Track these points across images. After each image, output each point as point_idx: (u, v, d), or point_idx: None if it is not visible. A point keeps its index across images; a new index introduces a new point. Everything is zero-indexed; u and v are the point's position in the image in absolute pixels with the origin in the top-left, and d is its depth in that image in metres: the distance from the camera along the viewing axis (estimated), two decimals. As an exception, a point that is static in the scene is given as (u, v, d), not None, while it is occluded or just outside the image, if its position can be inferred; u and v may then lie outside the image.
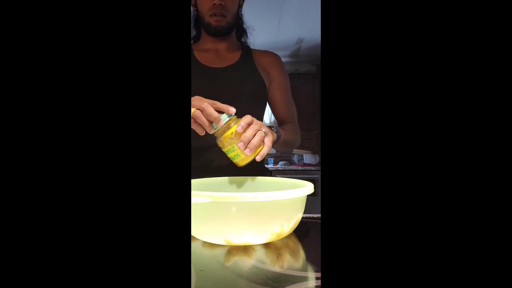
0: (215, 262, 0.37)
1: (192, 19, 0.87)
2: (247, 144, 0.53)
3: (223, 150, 0.56)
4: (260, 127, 0.55)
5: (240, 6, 0.82)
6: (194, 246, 0.42)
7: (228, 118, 0.54)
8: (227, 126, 0.54)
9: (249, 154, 0.54)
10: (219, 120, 0.53)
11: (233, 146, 0.54)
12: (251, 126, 0.54)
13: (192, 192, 0.38)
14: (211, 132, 0.55)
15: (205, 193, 0.38)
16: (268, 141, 0.56)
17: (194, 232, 0.43)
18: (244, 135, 0.53)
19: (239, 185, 0.60)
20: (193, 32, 0.87)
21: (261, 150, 0.55)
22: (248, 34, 0.90)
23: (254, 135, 0.54)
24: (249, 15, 0.92)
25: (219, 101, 0.65)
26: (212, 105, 0.53)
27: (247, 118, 0.55)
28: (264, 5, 2.10)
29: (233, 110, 0.53)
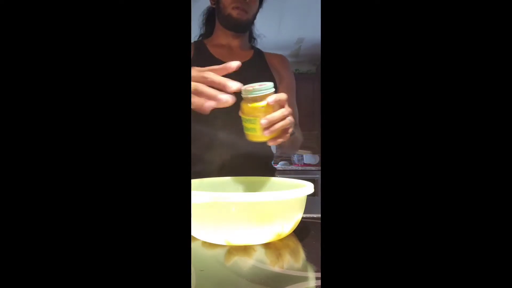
0: (215, 262, 0.37)
1: (202, 16, 0.87)
2: (270, 125, 0.48)
3: (242, 116, 0.51)
4: (289, 114, 0.50)
5: (257, 12, 0.84)
6: (194, 246, 0.42)
7: (271, 89, 0.48)
8: (264, 96, 0.48)
9: (267, 135, 0.49)
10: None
11: (256, 119, 0.49)
12: (283, 108, 0.49)
13: (192, 192, 0.38)
14: (228, 101, 0.45)
15: (205, 193, 0.38)
16: (289, 133, 0.52)
17: (194, 232, 0.43)
18: (272, 114, 0.48)
19: (239, 185, 0.60)
20: (203, 29, 0.88)
21: (278, 137, 0.51)
22: (258, 40, 0.92)
23: (282, 120, 0.49)
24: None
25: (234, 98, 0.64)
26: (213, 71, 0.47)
27: (283, 95, 0.50)
28: (264, 5, 2.10)
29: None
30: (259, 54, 0.86)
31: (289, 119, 0.51)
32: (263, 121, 0.48)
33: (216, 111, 0.74)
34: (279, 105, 0.49)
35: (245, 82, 0.76)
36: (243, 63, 0.78)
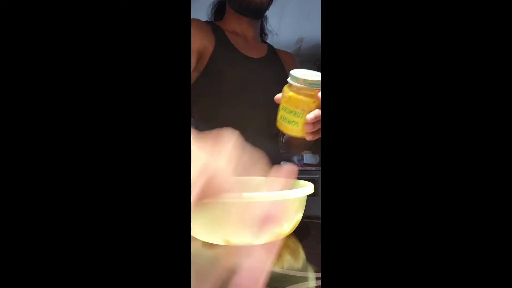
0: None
1: (211, 6, 0.85)
2: (315, 121, 0.46)
3: (286, 105, 0.47)
4: None
5: (270, 4, 0.80)
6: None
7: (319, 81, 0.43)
8: (318, 90, 0.44)
9: (309, 131, 0.46)
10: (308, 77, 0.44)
11: (303, 113, 0.45)
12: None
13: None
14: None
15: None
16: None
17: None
18: (318, 111, 0.45)
19: (239, 185, 0.60)
20: (211, 18, 0.86)
21: (315, 133, 0.49)
22: (269, 36, 0.89)
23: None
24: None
25: (252, 91, 0.64)
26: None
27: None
28: (264, 5, 2.09)
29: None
30: (273, 51, 0.84)
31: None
32: (310, 116, 0.45)
33: (220, 111, 0.72)
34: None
35: (262, 78, 0.74)
36: (260, 59, 0.77)
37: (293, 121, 0.46)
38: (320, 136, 0.49)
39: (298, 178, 0.56)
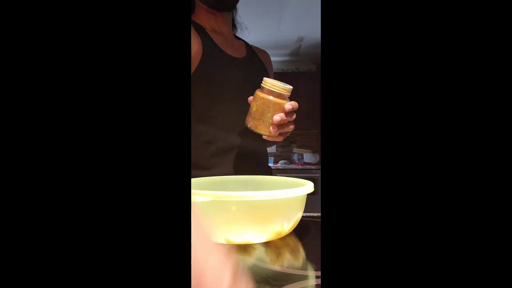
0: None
1: None
2: (278, 125, 0.53)
3: (256, 103, 0.53)
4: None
5: None
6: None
7: (290, 88, 0.53)
8: (283, 95, 0.52)
9: (273, 133, 0.53)
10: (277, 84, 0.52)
11: (269, 115, 0.52)
12: (292, 113, 0.54)
13: (192, 191, 0.38)
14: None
15: (205, 192, 0.38)
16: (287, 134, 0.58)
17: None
18: (284, 118, 0.52)
19: (239, 184, 0.60)
20: None
21: (275, 137, 0.57)
22: (239, 30, 0.84)
23: (290, 126, 0.55)
24: (249, 13, 0.89)
25: (240, 92, 0.66)
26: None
27: (296, 104, 0.54)
28: (265, 3, 2.10)
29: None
30: (250, 48, 0.81)
31: (292, 127, 0.56)
32: (277, 117, 0.51)
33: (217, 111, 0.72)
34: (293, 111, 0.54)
35: (247, 79, 0.73)
36: (243, 58, 0.76)
37: (261, 120, 0.53)
38: (282, 138, 0.58)
39: (299, 177, 0.56)
